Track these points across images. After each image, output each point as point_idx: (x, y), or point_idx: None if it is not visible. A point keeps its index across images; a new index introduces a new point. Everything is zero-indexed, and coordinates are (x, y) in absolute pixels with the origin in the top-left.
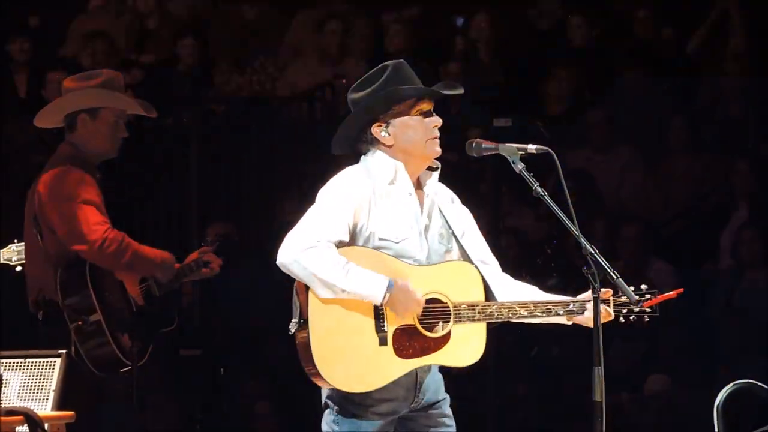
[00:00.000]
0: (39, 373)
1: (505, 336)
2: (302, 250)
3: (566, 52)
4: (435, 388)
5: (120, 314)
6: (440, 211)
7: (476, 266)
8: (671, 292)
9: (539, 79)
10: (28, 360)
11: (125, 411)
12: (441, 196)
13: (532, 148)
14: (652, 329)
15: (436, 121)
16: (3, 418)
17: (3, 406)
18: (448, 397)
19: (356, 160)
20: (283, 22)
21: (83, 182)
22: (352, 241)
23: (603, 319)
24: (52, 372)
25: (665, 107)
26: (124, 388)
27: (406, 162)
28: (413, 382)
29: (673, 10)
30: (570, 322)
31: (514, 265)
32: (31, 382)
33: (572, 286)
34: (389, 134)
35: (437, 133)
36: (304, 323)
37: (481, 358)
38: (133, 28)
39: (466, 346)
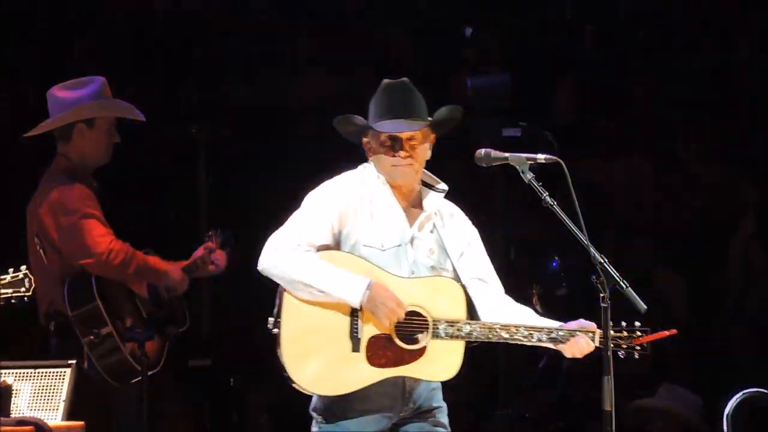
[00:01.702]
0: (49, 384)
1: (514, 347)
2: (281, 254)
3: (575, 62)
4: (428, 396)
5: (131, 322)
6: (437, 230)
7: (464, 285)
8: (664, 332)
9: (548, 89)
10: (38, 370)
11: (135, 421)
12: (440, 216)
13: (541, 157)
14: (662, 340)
15: (399, 153)
16: (14, 428)
17: (13, 416)
18: (444, 406)
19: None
20: (292, 33)
21: (82, 196)
22: (337, 246)
23: (584, 351)
24: (63, 382)
25: (674, 116)
26: (133, 398)
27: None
28: (400, 391)
29: (682, 19)
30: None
31: (523, 275)
32: (42, 393)
33: (581, 297)
34: (370, 152)
35: (401, 162)
36: (278, 323)
37: (491, 369)
38: (142, 38)
39: (440, 362)
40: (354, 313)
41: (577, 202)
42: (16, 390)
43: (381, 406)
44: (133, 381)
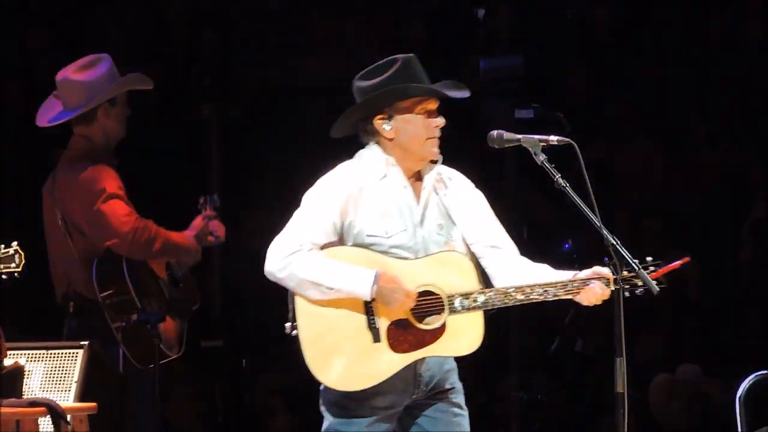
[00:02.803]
0: (61, 365)
1: (527, 330)
2: (286, 256)
3: (588, 44)
4: (441, 377)
5: (158, 305)
6: (440, 200)
7: (476, 253)
8: (677, 262)
9: (561, 71)
10: (50, 351)
11: (147, 402)
12: (442, 183)
13: (554, 139)
14: (674, 323)
15: (439, 121)
16: (26, 409)
17: (26, 397)
18: (460, 386)
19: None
20: (303, 14)
21: (105, 176)
22: (342, 239)
23: (599, 297)
24: (75, 363)
25: (686, 99)
26: (146, 379)
27: (403, 158)
28: (411, 374)
29: (695, 2)
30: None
31: (535, 257)
32: (54, 374)
33: None
34: (391, 127)
35: (438, 134)
36: (295, 326)
37: (503, 352)
38: (154, 19)
39: (462, 336)
40: (368, 305)
41: (589, 184)
42: (28, 371)
43: (393, 387)
44: (164, 362)
